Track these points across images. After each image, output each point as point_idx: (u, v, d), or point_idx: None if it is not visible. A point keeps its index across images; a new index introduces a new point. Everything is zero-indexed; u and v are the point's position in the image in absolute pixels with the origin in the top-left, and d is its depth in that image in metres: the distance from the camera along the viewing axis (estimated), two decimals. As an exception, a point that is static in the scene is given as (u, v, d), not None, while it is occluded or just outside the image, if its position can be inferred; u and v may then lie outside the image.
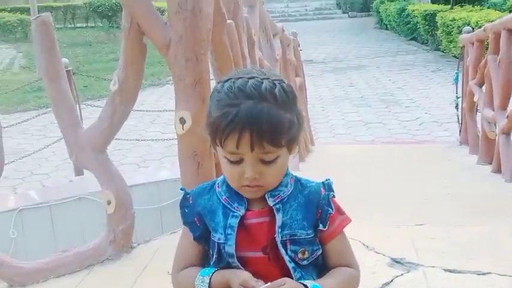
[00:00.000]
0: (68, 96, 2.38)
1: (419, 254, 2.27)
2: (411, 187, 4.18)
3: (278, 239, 1.23)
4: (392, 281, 2.10)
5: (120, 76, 2.23)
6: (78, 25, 23.09)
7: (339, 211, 1.29)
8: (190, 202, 1.31)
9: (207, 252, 1.31)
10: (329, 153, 6.38)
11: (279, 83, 1.17)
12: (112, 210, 2.29)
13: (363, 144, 7.22)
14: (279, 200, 1.24)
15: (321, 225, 1.26)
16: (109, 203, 2.28)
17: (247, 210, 1.25)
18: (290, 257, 1.23)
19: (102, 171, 2.32)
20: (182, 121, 2.11)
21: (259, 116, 1.13)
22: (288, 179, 1.28)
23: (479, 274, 2.14)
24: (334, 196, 1.29)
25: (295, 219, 1.24)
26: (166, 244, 2.31)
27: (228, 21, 2.63)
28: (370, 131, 8.16)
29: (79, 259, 2.29)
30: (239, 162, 1.19)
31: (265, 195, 1.25)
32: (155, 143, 7.45)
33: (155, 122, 9.06)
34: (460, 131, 6.51)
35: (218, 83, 1.22)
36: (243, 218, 1.25)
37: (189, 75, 2.11)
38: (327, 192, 1.28)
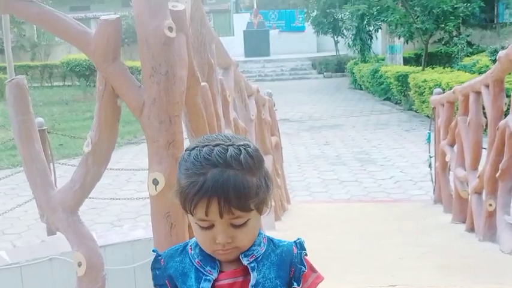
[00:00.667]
0: (41, 158, 2.37)
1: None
2: (386, 246, 4.19)
3: None
4: None
5: (94, 137, 2.24)
6: (55, 84, 23.17)
7: (312, 269, 1.32)
8: (162, 264, 1.32)
9: (178, 315, 1.30)
10: (305, 212, 6.39)
11: (244, 148, 1.21)
12: (82, 273, 2.24)
13: (339, 203, 7.24)
14: (253, 259, 1.26)
15: (295, 283, 1.28)
16: (80, 264, 2.24)
17: (219, 271, 1.26)
18: None
19: (73, 232, 2.28)
20: (155, 182, 2.11)
21: (226, 184, 1.16)
22: (261, 238, 1.30)
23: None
24: (306, 254, 1.31)
25: (268, 277, 1.26)
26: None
27: (202, 83, 2.68)
28: (346, 189, 8.21)
29: (47, 324, 2.23)
30: (210, 227, 1.21)
31: (238, 256, 1.26)
32: (130, 201, 7.38)
33: (131, 180, 9.01)
34: (434, 189, 6.58)
35: (186, 150, 1.26)
36: (214, 280, 1.25)
37: (162, 136, 2.12)
38: (299, 251, 1.31)
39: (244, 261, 1.25)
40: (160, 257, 1.33)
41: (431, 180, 6.79)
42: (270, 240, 1.32)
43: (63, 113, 15.91)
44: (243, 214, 1.19)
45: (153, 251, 1.36)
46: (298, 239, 1.33)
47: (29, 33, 26.57)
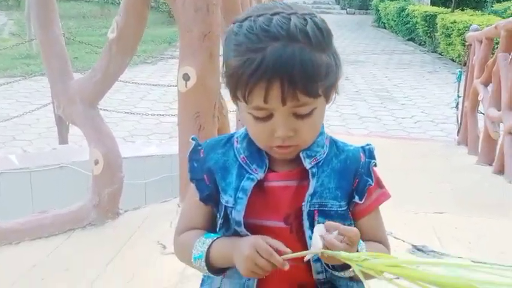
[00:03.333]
0: (60, 43, 2.15)
1: (443, 243, 2.07)
2: (413, 181, 3.99)
3: (305, 209, 1.01)
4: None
5: (120, 22, 2.01)
6: (73, -3, 22.62)
7: (379, 183, 1.08)
8: (201, 156, 1.09)
9: (215, 216, 1.10)
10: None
11: (310, 18, 0.95)
12: (99, 171, 2.06)
13: (358, 137, 7.03)
14: (315, 162, 1.03)
15: (356, 197, 1.05)
16: (96, 162, 2.06)
17: (270, 171, 1.04)
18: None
19: (91, 127, 2.09)
20: (186, 77, 1.89)
21: (291, 61, 0.91)
22: (323, 138, 1.06)
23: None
24: (375, 165, 1.07)
25: (326, 187, 1.03)
26: (158, 212, 2.10)
27: (241, -21, 2.42)
28: (364, 124, 8.01)
29: (58, 222, 2.06)
30: (268, 118, 0.96)
31: (299, 154, 1.03)
32: (143, 118, 7.21)
33: (145, 98, 8.80)
34: (458, 130, 6.35)
35: (234, 23, 0.98)
36: (262, 180, 1.03)
37: (197, 26, 1.89)
38: (367, 160, 1.07)
39: (307, 164, 1.02)
40: (200, 147, 1.09)
41: (457, 121, 6.53)
42: (334, 142, 1.08)
43: (80, 28, 15.57)
44: (310, 101, 0.95)
45: (192, 139, 1.12)
46: (368, 144, 1.09)
47: None
